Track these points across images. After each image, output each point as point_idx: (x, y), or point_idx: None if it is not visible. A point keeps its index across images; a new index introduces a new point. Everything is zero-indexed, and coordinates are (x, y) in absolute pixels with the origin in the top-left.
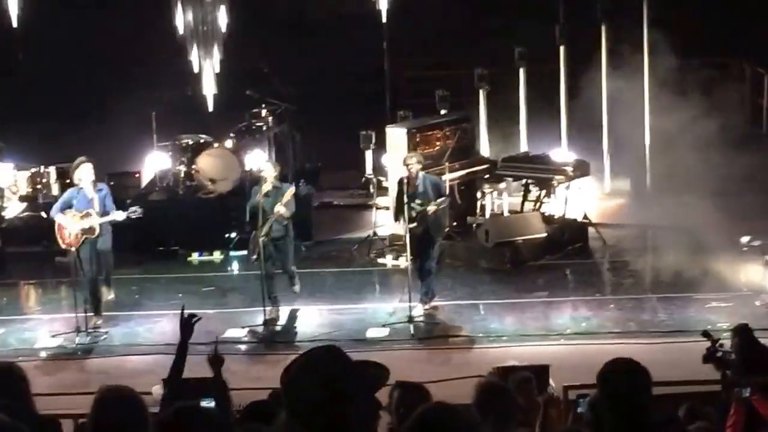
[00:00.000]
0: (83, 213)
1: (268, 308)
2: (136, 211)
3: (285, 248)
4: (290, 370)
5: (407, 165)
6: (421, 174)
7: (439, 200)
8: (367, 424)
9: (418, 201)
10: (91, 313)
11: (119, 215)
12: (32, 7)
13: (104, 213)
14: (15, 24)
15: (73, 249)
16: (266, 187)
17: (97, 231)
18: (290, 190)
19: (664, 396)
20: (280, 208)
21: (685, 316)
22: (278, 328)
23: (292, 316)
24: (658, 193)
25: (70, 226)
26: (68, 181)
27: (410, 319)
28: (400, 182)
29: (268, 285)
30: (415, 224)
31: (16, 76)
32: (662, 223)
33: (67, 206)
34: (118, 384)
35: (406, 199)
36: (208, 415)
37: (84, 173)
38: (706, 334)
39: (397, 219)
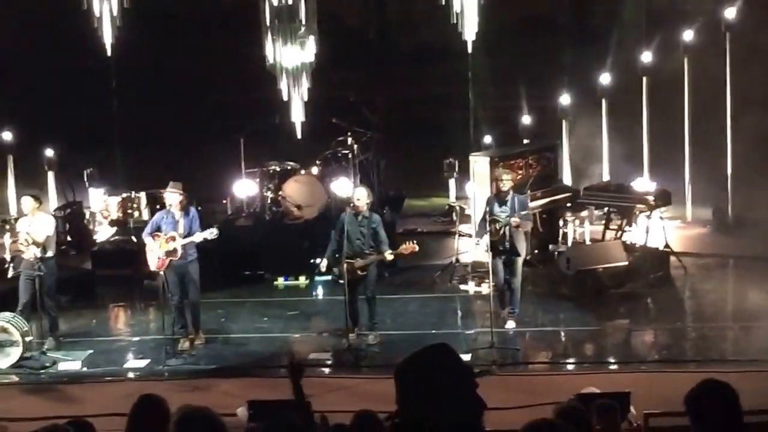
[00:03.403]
0: (168, 236)
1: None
2: (213, 232)
3: (370, 274)
4: (403, 362)
5: (502, 181)
6: (511, 192)
7: (522, 213)
8: (472, 416)
9: (503, 214)
10: (179, 336)
11: (197, 237)
12: (125, 36)
13: (188, 236)
14: (109, 53)
15: (161, 272)
16: (356, 214)
17: (180, 253)
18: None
19: (748, 425)
20: (390, 256)
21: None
22: (361, 352)
23: (376, 341)
24: (740, 222)
25: (156, 249)
26: (158, 206)
27: (492, 345)
28: (489, 200)
29: (351, 309)
30: (498, 236)
31: (108, 104)
32: (743, 253)
33: (157, 229)
34: (198, 405)
35: (497, 210)
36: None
37: (170, 197)
38: None
39: (479, 235)
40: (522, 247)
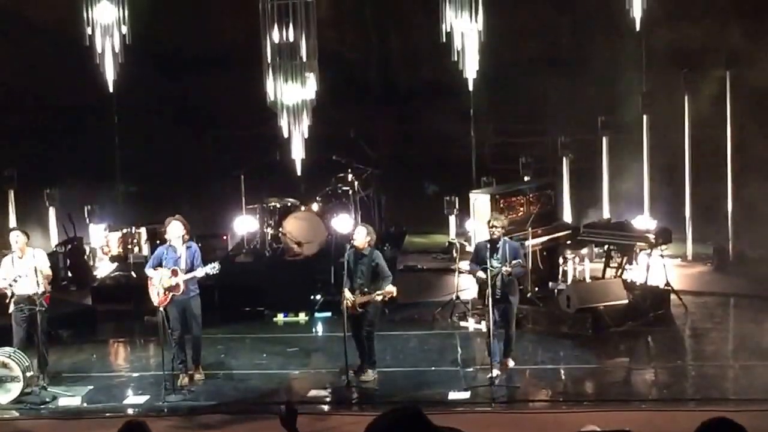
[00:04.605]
0: (170, 270)
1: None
2: (214, 267)
3: (368, 312)
4: (373, 426)
5: (494, 227)
6: (503, 238)
7: (513, 261)
8: None
9: (495, 262)
10: (178, 371)
11: (199, 272)
12: (127, 73)
13: (190, 271)
14: (111, 89)
15: (162, 307)
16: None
17: (182, 288)
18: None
19: None
20: (378, 297)
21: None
22: (361, 389)
23: (372, 379)
24: (741, 260)
25: (158, 283)
26: (158, 242)
27: (491, 383)
28: (480, 248)
29: (357, 344)
30: (491, 285)
31: (110, 140)
32: (744, 291)
33: (159, 263)
34: None
35: (487, 258)
36: None
37: (172, 230)
38: None
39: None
40: (515, 295)
